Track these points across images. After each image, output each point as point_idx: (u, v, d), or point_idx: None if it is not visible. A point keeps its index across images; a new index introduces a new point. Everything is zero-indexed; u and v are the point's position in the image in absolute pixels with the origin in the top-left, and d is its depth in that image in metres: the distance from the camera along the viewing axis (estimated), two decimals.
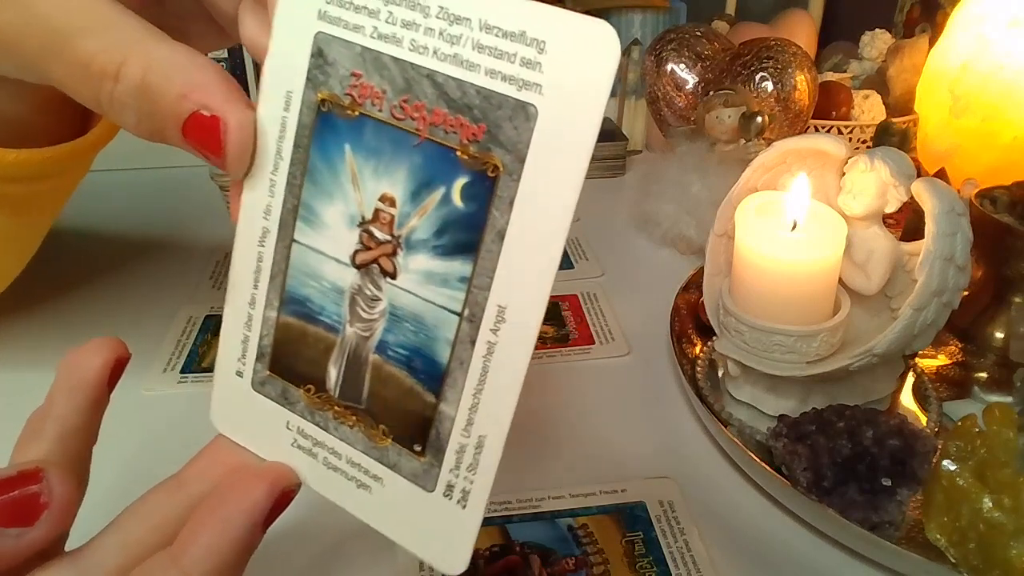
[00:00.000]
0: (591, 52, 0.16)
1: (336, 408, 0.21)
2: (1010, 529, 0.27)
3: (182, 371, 0.41)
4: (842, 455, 0.31)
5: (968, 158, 0.54)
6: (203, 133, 0.20)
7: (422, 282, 0.19)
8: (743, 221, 0.36)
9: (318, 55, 0.20)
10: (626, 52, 0.70)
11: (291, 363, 0.21)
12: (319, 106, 0.20)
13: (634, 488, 0.33)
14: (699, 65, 0.65)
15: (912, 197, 0.35)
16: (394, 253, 0.19)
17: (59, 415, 0.21)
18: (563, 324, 0.46)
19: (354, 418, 0.21)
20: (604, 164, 0.68)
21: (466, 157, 0.18)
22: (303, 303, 0.21)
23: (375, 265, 0.20)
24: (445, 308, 0.19)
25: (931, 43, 0.60)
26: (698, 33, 0.66)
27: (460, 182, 0.18)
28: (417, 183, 0.19)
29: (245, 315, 0.22)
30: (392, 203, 0.19)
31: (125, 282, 0.50)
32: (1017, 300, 0.42)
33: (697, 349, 0.42)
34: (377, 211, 0.19)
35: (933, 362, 0.42)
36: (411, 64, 0.18)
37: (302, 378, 0.21)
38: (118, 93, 0.21)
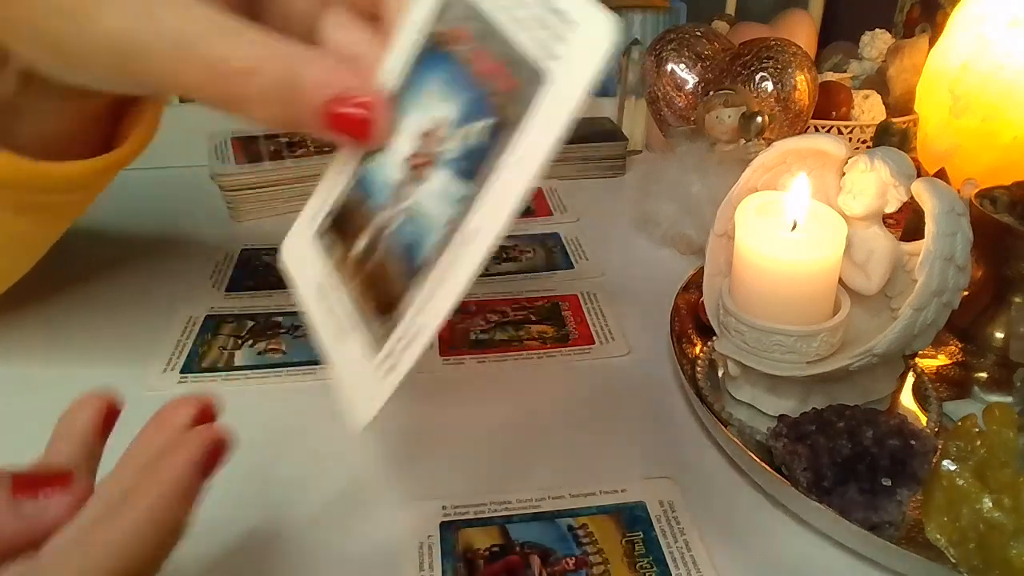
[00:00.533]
0: (602, 38, 0.19)
1: (351, 270, 0.26)
2: (1010, 529, 0.27)
3: (182, 371, 0.41)
4: (842, 455, 0.31)
5: (968, 158, 0.54)
6: (345, 118, 0.24)
7: (438, 193, 0.23)
8: (743, 221, 0.36)
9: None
10: (626, 52, 0.70)
11: (343, 226, 0.27)
12: (433, 36, 0.25)
13: (634, 488, 0.33)
14: (699, 65, 0.65)
15: (912, 197, 0.35)
16: (431, 165, 0.24)
17: (57, 461, 0.22)
18: (563, 324, 0.46)
19: (357, 281, 0.26)
20: (604, 164, 0.67)
21: (499, 104, 0.22)
22: (368, 185, 0.26)
23: (416, 170, 0.24)
24: (442, 217, 0.23)
25: (931, 43, 0.60)
26: (698, 33, 0.66)
27: (490, 122, 0.22)
28: (463, 115, 0.23)
29: (336, 180, 0.28)
30: (443, 125, 0.24)
31: (125, 282, 0.50)
32: (1017, 300, 0.42)
33: (697, 349, 0.42)
34: (434, 129, 0.24)
35: (933, 362, 0.42)
36: (488, 17, 0.23)
37: (344, 239, 0.27)
38: (256, 88, 0.23)
